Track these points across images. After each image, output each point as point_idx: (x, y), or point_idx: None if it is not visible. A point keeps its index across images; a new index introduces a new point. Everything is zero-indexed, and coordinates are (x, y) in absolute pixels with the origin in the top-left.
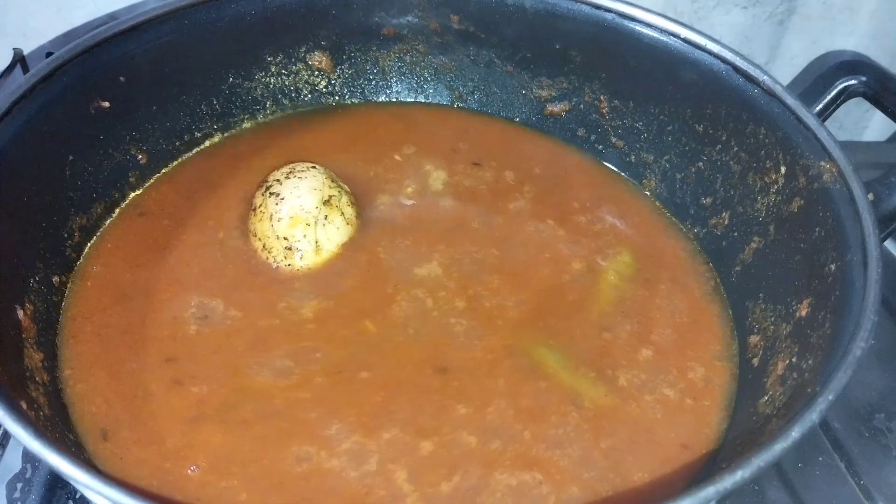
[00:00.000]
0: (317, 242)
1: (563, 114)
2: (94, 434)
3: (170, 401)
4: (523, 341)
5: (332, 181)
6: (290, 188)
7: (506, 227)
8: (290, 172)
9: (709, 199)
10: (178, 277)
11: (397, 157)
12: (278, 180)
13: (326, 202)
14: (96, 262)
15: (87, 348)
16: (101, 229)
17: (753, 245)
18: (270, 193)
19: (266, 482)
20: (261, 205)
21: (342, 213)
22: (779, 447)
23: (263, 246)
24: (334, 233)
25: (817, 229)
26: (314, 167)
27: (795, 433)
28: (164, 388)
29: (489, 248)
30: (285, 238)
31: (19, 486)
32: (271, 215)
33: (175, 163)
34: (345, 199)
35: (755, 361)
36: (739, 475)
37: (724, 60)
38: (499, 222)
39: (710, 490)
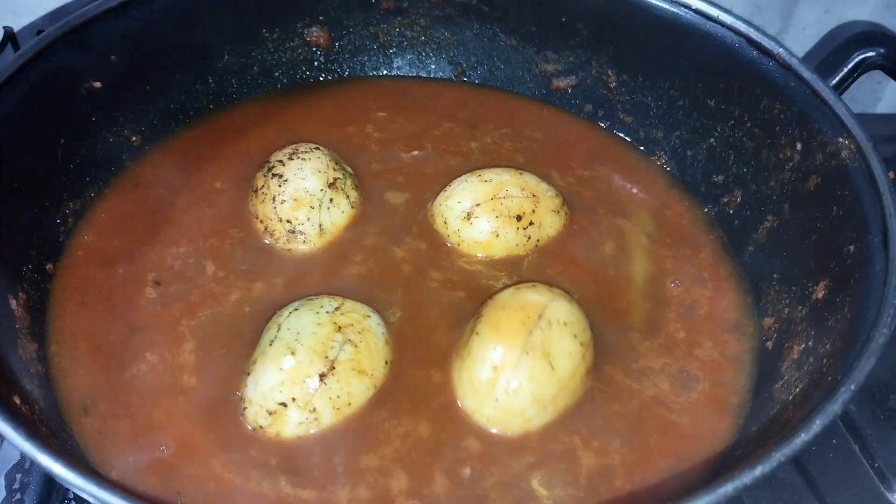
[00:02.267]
0: (320, 226)
1: (570, 89)
2: (77, 409)
3: (139, 372)
4: None
5: (337, 163)
6: (294, 170)
7: None
8: (294, 153)
9: (721, 177)
10: (168, 244)
11: (394, 127)
12: (281, 161)
13: (331, 185)
14: (88, 232)
15: (72, 319)
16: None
17: (767, 224)
18: (273, 175)
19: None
20: (263, 186)
21: (347, 196)
22: (799, 440)
23: (265, 228)
24: (339, 216)
25: (835, 208)
26: (318, 148)
27: (817, 425)
28: (133, 357)
29: None
30: (288, 221)
31: (18, 476)
32: (274, 197)
33: (170, 136)
34: (349, 181)
35: (769, 344)
36: (759, 470)
37: (737, 32)
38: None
39: (729, 487)
